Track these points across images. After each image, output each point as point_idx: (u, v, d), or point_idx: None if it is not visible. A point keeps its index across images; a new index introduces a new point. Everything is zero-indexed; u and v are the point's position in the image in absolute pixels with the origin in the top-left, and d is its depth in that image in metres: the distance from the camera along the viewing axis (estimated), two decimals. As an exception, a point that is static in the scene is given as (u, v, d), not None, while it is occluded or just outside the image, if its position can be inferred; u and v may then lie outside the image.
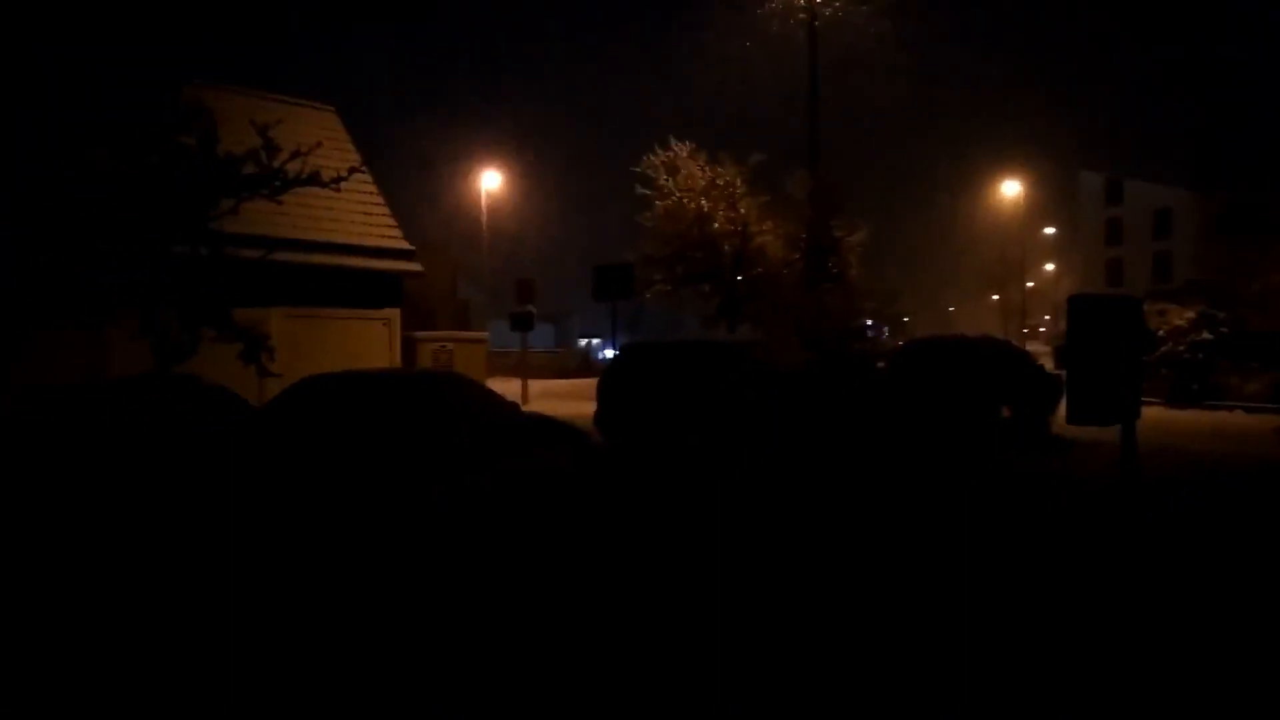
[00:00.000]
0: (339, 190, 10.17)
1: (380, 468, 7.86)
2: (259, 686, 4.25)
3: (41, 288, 8.96)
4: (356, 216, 18.17)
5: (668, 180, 24.46)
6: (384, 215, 18.97)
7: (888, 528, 7.55)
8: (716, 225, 24.23)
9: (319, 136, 11.22)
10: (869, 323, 30.07)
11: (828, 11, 24.03)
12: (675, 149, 24.54)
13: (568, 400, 22.20)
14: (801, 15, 24.32)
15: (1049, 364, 17.61)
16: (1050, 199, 72.99)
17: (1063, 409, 7.80)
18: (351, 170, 10.08)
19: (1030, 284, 60.61)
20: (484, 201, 40.91)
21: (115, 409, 7.75)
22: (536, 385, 25.34)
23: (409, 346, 19.95)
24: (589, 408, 14.03)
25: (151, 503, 7.11)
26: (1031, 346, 40.40)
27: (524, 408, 15.69)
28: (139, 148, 8.06)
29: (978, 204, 57.47)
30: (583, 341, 71.63)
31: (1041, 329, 77.43)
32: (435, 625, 5.06)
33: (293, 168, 9.10)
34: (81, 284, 8.65)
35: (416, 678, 4.30)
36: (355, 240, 17.77)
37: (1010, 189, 46.84)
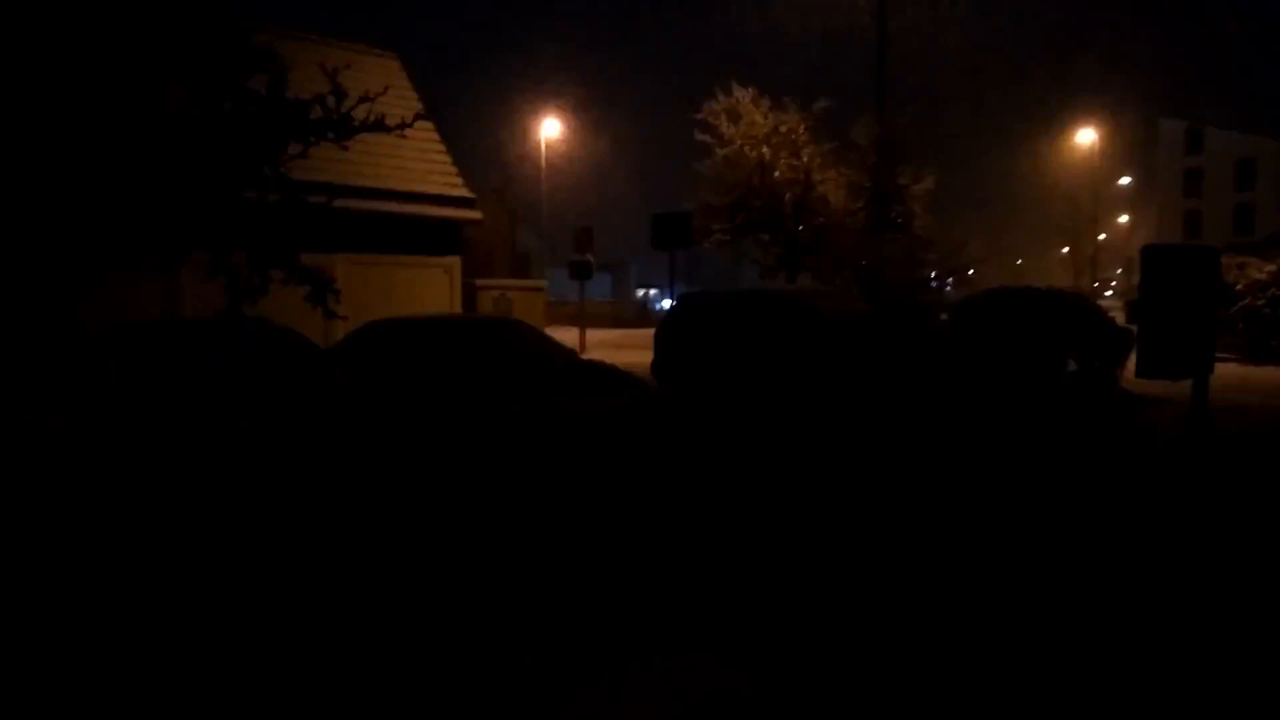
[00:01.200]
0: (404, 136, 10.27)
1: (444, 404, 8.05)
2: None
3: (116, 229, 9.26)
4: (418, 164, 18.30)
5: (729, 127, 24.08)
6: (445, 163, 19.07)
7: (941, 479, 7.50)
8: (778, 173, 23.84)
9: (382, 83, 11.30)
10: (933, 274, 29.40)
11: None
12: (737, 95, 24.11)
13: (625, 350, 22.32)
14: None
15: (1120, 318, 17.12)
16: (1127, 148, 70.06)
17: (1132, 363, 7.61)
18: (417, 116, 10.16)
19: (1102, 236, 58.60)
20: (543, 149, 40.87)
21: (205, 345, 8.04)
22: (594, 334, 25.50)
23: (469, 293, 20.19)
24: (646, 357, 14.10)
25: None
26: (1102, 302, 39.21)
27: (581, 357, 15.84)
28: (212, 91, 8.23)
29: (1051, 153, 55.54)
30: (640, 292, 71.64)
31: (1113, 283, 75.00)
32: (502, 546, 5.23)
33: (359, 113, 9.22)
34: (155, 225, 8.93)
35: (494, 582, 4.45)
36: (417, 188, 17.93)
37: (1085, 137, 45.12)
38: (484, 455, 7.70)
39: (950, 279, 35.13)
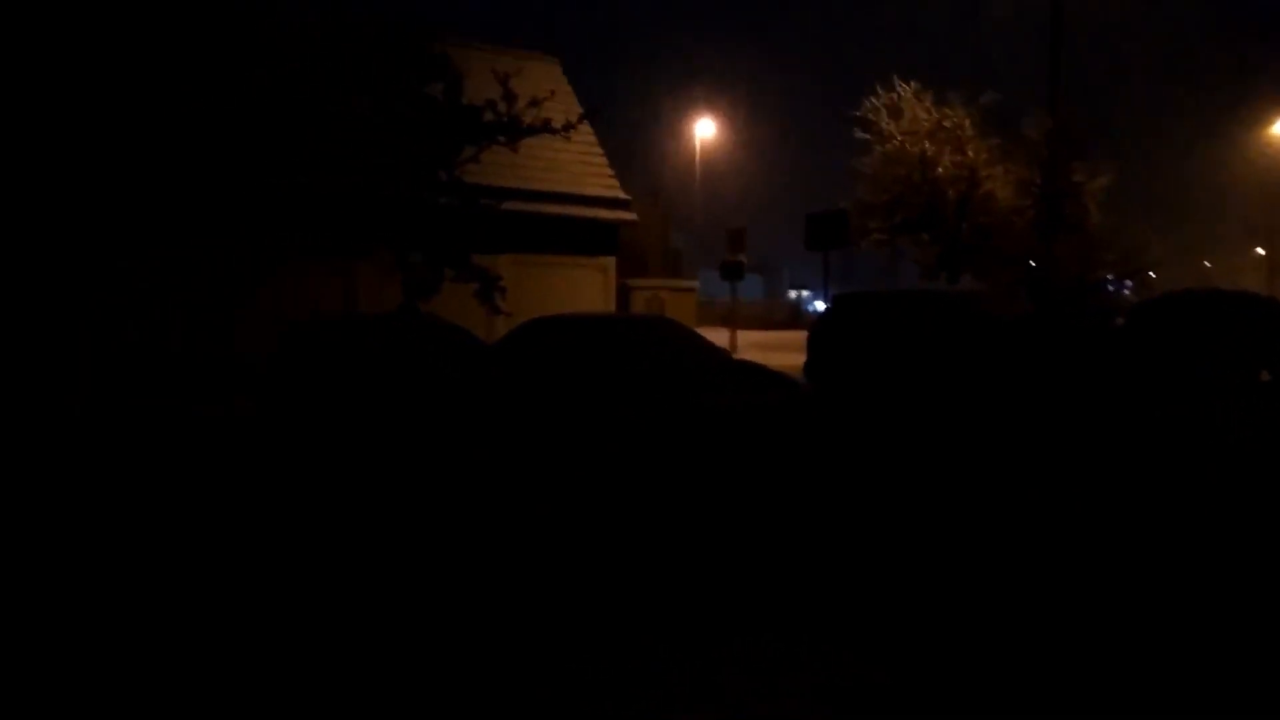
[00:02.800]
0: (569, 138, 10.61)
1: (600, 400, 8.26)
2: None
3: (300, 226, 9.97)
4: (577, 167, 18.78)
5: (889, 123, 23.43)
6: (602, 165, 19.49)
7: (1102, 493, 7.05)
8: (941, 170, 22.99)
9: (545, 87, 11.70)
10: (1109, 276, 27.64)
11: None
12: (899, 90, 23.44)
13: (777, 351, 22.11)
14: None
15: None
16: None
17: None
18: (581, 117, 10.51)
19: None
20: (697, 149, 41.03)
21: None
22: (745, 336, 25.37)
23: (623, 293, 20.55)
24: (798, 359, 13.93)
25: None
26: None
27: (733, 357, 15.82)
28: (394, 99, 8.78)
29: (1244, 147, 50.96)
30: (792, 293, 70.79)
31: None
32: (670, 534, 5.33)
33: (527, 116, 9.59)
34: (337, 224, 9.60)
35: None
36: (576, 190, 18.41)
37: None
38: (640, 448, 7.86)
39: (1128, 281, 32.92)
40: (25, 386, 8.37)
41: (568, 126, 9.95)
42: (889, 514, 6.32)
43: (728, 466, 7.62)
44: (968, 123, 22.90)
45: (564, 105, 18.25)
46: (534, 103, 9.57)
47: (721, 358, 10.61)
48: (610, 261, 19.24)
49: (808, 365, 13.43)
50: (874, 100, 23.64)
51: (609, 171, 19.60)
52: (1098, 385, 11.23)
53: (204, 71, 7.91)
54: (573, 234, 18.30)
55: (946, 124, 22.95)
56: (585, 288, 18.62)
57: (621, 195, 19.43)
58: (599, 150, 19.61)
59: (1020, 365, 10.98)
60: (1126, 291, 32.42)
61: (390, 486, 6.80)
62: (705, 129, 41.43)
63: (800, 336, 16.12)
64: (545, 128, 9.68)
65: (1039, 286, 20.98)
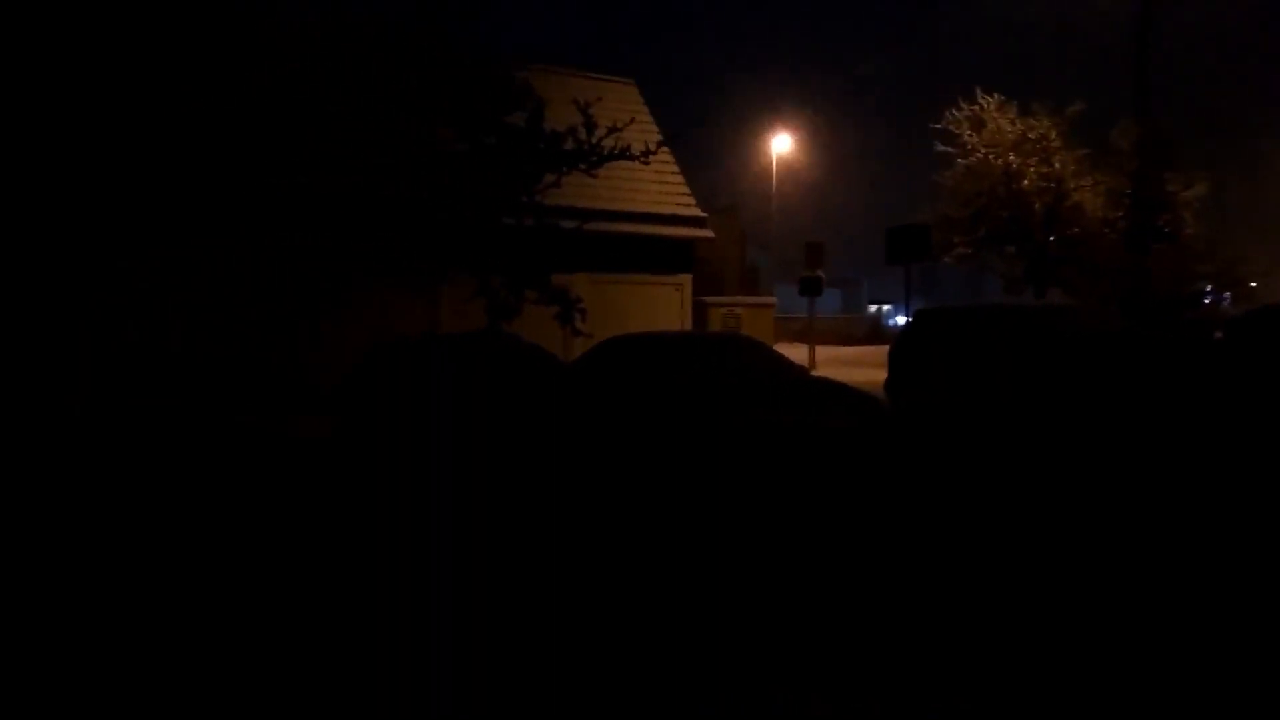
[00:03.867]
0: (648, 163, 10.78)
1: (680, 417, 8.31)
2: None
3: (386, 251, 10.31)
4: (653, 186, 18.95)
5: (972, 136, 23.03)
6: (679, 183, 19.62)
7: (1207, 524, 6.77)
8: (1026, 182, 22.48)
9: (622, 110, 11.90)
10: (1207, 288, 26.49)
11: None
12: (981, 102, 23.03)
13: (856, 367, 21.85)
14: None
15: None
16: None
17: None
18: (659, 144, 10.66)
19: None
20: (774, 165, 40.92)
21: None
22: (824, 351, 25.13)
23: (700, 311, 20.60)
24: (878, 376, 13.73)
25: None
26: None
27: (811, 374, 15.69)
28: (478, 128, 9.07)
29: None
30: (872, 308, 69.72)
31: None
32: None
33: (607, 143, 9.77)
34: (423, 249, 9.91)
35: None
36: (652, 209, 18.57)
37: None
38: (714, 467, 7.87)
39: (1228, 293, 31.48)
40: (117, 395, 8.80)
41: (646, 153, 10.12)
42: (965, 546, 6.19)
43: (798, 489, 7.57)
44: (1054, 133, 22.36)
45: (642, 128, 18.45)
46: (613, 130, 9.74)
47: (799, 375, 10.56)
48: (687, 279, 19.33)
49: (888, 382, 13.23)
50: (956, 113, 23.28)
51: (685, 190, 19.71)
52: (1195, 404, 10.78)
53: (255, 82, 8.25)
54: (649, 252, 18.46)
55: (1032, 135, 22.44)
56: (662, 305, 18.74)
57: (698, 213, 19.52)
58: (675, 169, 19.76)
59: (1112, 385, 10.62)
60: (1226, 303, 31.03)
61: (481, 508, 6.95)
62: (782, 144, 41.30)
63: (880, 351, 15.91)
64: (625, 154, 9.86)
65: (1132, 299, 20.27)
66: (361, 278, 11.44)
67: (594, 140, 9.61)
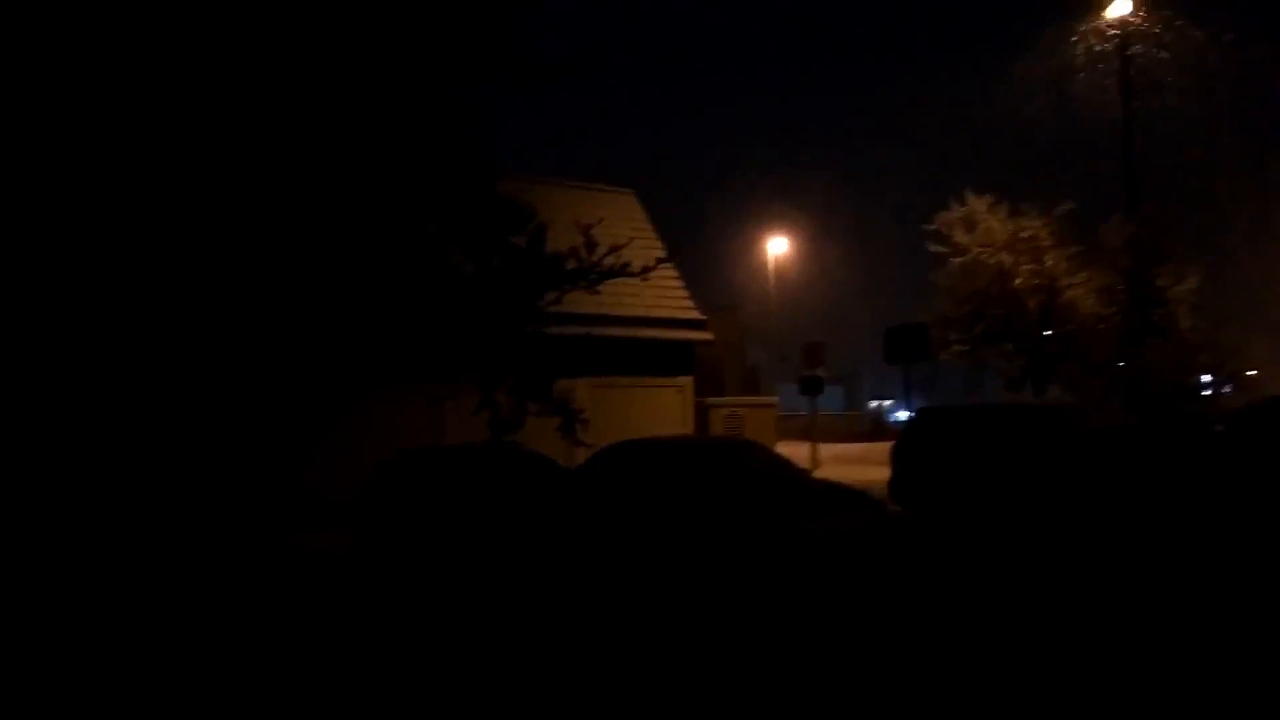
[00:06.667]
0: (647, 280, 11.04)
1: (684, 528, 8.28)
2: None
3: (391, 366, 10.47)
4: (653, 290, 19.26)
5: (964, 236, 23.54)
6: (678, 287, 19.97)
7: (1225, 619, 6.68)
8: (1019, 280, 22.86)
9: (621, 221, 12.28)
10: (1206, 379, 26.62)
11: (1139, 52, 21.81)
12: (972, 203, 23.62)
13: (859, 465, 21.76)
14: (1109, 41, 22.37)
15: None
16: None
17: None
18: (659, 261, 10.97)
19: None
20: (772, 266, 41.68)
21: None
22: (826, 449, 25.08)
23: (701, 412, 20.66)
24: (882, 473, 13.71)
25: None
26: None
27: (815, 473, 15.64)
28: (484, 249, 9.36)
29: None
30: (873, 404, 69.79)
31: None
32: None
33: (608, 261, 10.05)
34: (428, 365, 10.07)
35: None
36: (652, 313, 18.85)
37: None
38: (724, 576, 7.80)
39: (1228, 385, 31.61)
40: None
41: (645, 270, 10.41)
42: (977, 652, 6.10)
43: (804, 596, 7.48)
44: (1045, 232, 22.85)
45: (643, 239, 18.88)
46: (614, 249, 10.05)
47: (803, 479, 10.53)
48: (688, 381, 19.47)
49: (892, 482, 13.21)
50: (947, 214, 23.85)
51: (684, 293, 20.05)
52: (1199, 498, 10.75)
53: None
54: (650, 356, 18.65)
55: (1023, 234, 22.93)
56: (664, 408, 18.83)
57: (697, 316, 19.80)
58: (675, 275, 20.14)
59: (1116, 481, 10.61)
60: (1227, 393, 31.12)
61: (484, 617, 6.89)
62: (779, 246, 42.16)
63: (883, 449, 15.88)
64: (624, 271, 10.13)
65: (1131, 393, 20.37)
66: (367, 393, 11.58)
67: (594, 260, 9.90)
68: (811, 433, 24.06)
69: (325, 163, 8.46)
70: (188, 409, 8.82)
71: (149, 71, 8.14)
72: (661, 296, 19.45)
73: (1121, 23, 21.43)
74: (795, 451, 19.64)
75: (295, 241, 8.43)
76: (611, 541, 8.12)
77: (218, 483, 8.99)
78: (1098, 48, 22.32)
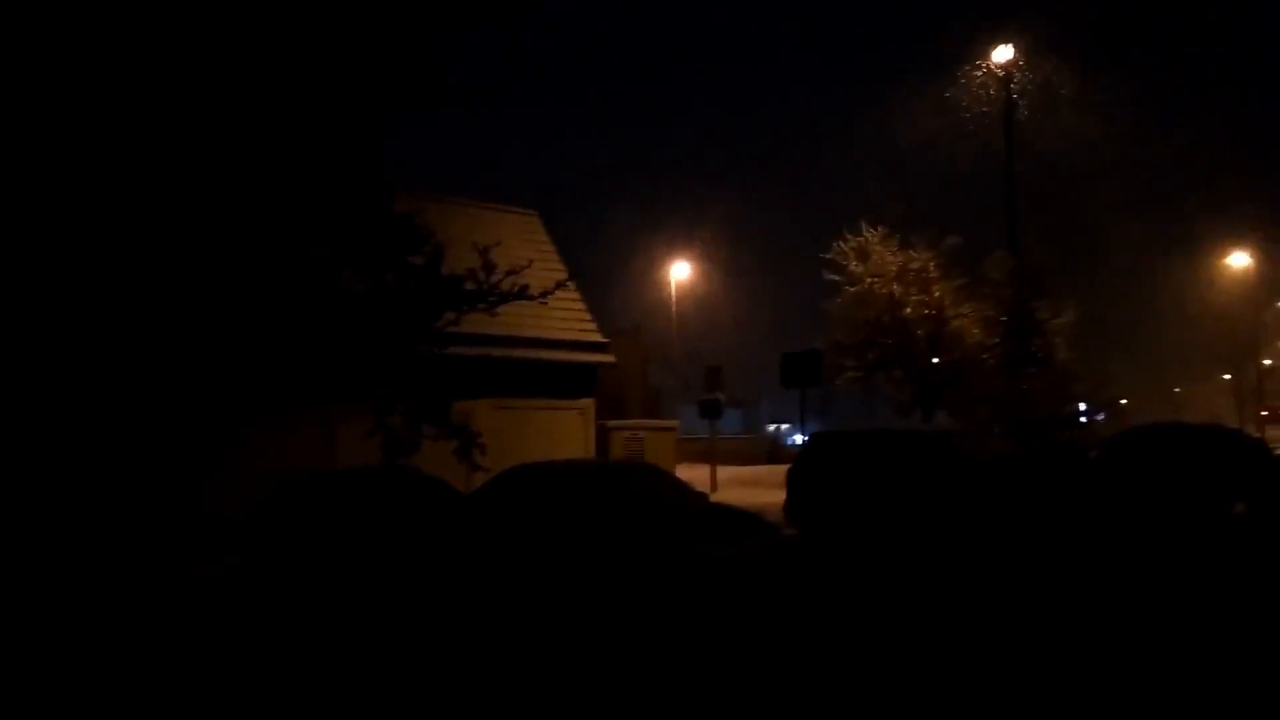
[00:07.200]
0: (546, 303, 10.98)
1: (581, 552, 8.25)
2: None
3: (284, 389, 10.14)
4: (556, 312, 19.16)
5: (858, 266, 24.35)
6: (580, 310, 19.97)
7: (1099, 634, 7.05)
8: (909, 310, 23.78)
9: (523, 242, 12.24)
10: (1081, 408, 28.11)
11: (1023, 109, 23.01)
12: (866, 235, 24.47)
13: (756, 488, 22.11)
14: (992, 89, 23.58)
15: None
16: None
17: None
18: (558, 284, 10.94)
19: (1268, 362, 54.71)
20: (673, 290, 42.15)
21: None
22: (725, 472, 25.41)
23: (602, 435, 20.67)
24: (778, 496, 13.95)
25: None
26: (1274, 432, 36.32)
27: (713, 495, 15.83)
28: (378, 268, 9.16)
29: (1203, 277, 52.91)
30: (771, 427, 71.12)
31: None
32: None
33: (506, 284, 9.96)
34: (318, 385, 9.79)
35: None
36: (555, 335, 18.76)
37: (1238, 261, 43.10)
38: (620, 603, 7.79)
39: (1101, 413, 33.44)
40: None
41: (544, 294, 10.37)
42: (875, 673, 6.26)
43: (697, 621, 7.54)
44: (933, 265, 23.84)
45: (545, 261, 18.80)
46: (513, 271, 9.97)
47: (700, 503, 10.65)
48: (589, 403, 19.45)
49: (787, 505, 13.46)
50: (842, 244, 24.63)
51: (587, 316, 20.05)
52: (1074, 523, 11.34)
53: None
54: (551, 377, 18.55)
55: (913, 266, 23.87)
56: (565, 430, 18.74)
57: (599, 338, 19.84)
58: (577, 296, 20.13)
59: (996, 506, 11.10)
60: (1099, 421, 32.89)
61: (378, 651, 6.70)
62: (681, 271, 42.71)
63: (779, 471, 16.18)
64: (524, 294, 10.05)
65: (1012, 421, 21.35)
66: (254, 415, 11.16)
67: (493, 282, 9.80)
68: (711, 455, 24.35)
69: (207, 178, 8.18)
70: (71, 426, 8.38)
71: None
72: (564, 318, 19.40)
73: (1007, 66, 22.59)
74: (695, 474, 19.84)
75: (172, 256, 8.09)
76: (499, 566, 8.02)
77: (99, 502, 8.54)
78: (983, 92, 23.49)
